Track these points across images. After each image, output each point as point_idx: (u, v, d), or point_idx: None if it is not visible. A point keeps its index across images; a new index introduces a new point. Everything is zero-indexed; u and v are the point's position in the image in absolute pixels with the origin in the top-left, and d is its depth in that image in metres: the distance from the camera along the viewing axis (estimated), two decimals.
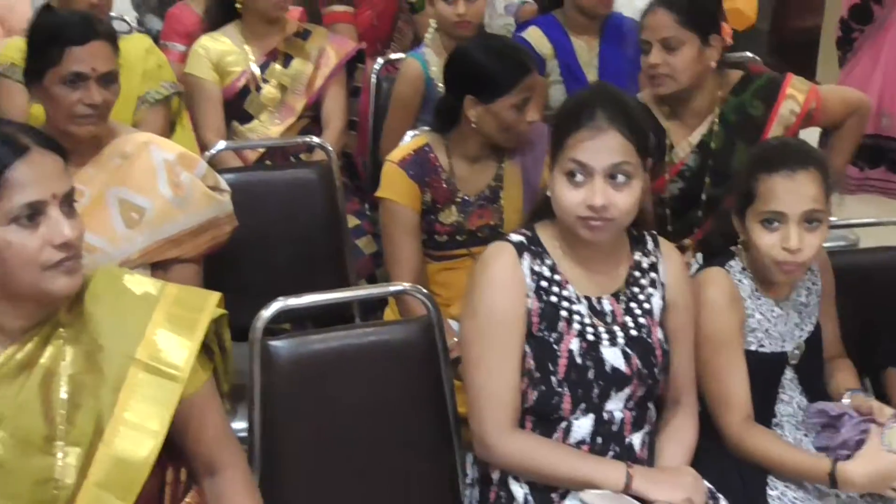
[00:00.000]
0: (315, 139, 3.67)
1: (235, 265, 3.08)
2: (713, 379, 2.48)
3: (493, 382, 2.27)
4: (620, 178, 2.21)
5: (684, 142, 3.22)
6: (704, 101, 3.19)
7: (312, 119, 4.02)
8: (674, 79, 3.10)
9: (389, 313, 3.20)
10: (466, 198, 3.15)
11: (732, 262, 2.56)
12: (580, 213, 2.22)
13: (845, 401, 2.57)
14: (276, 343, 2.41)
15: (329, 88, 4.01)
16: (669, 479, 2.27)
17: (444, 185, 3.13)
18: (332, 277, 3.24)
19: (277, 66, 3.97)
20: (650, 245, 2.44)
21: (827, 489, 2.38)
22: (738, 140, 3.18)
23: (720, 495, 2.35)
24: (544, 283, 2.31)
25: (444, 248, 3.20)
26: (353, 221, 3.78)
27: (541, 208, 2.39)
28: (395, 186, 3.10)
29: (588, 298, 2.34)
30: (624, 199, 2.21)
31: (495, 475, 2.37)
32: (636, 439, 2.36)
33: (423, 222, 3.14)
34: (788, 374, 2.57)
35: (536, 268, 2.31)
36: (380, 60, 4.33)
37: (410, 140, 3.24)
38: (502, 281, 2.28)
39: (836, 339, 2.74)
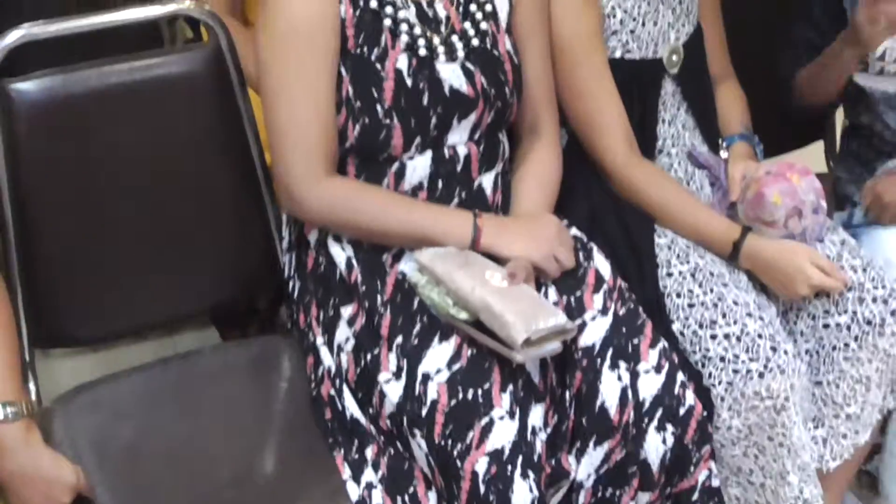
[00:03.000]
0: None
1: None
2: (578, 98, 2.01)
3: (300, 116, 1.77)
4: None
5: None
6: None
7: None
8: None
9: None
10: None
11: None
12: None
13: (723, 153, 2.15)
14: (18, 86, 1.85)
15: None
16: (527, 231, 1.83)
17: None
18: None
19: None
20: None
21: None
22: None
23: (593, 245, 1.92)
24: None
25: None
26: None
27: None
28: None
29: (416, 3, 1.82)
30: None
31: (312, 236, 1.90)
32: (487, 180, 1.90)
33: None
34: (669, 86, 2.10)
35: None
36: None
37: None
38: None
39: (722, 50, 2.26)
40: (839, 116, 2.53)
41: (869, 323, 1.93)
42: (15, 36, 1.85)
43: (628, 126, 2.02)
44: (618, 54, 2.03)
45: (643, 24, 2.04)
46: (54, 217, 1.90)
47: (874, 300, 1.94)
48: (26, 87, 1.86)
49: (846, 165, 2.38)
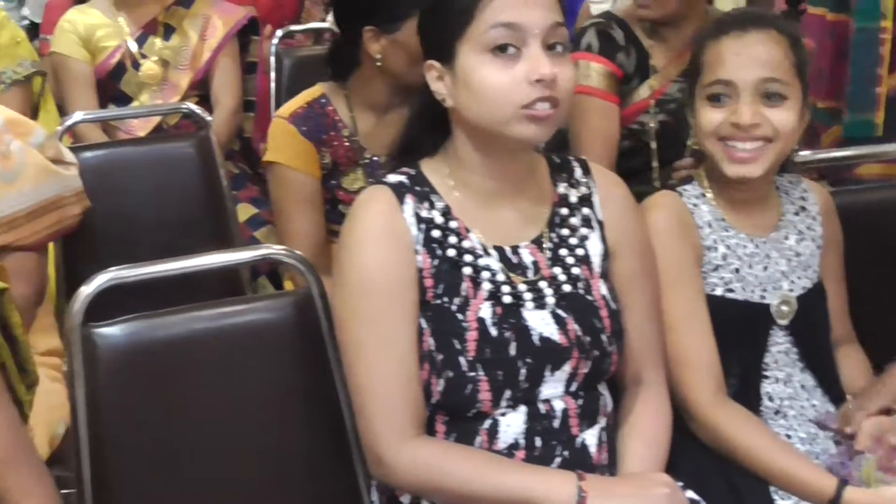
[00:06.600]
0: (191, 106, 3.12)
1: (94, 254, 2.53)
2: (666, 332, 1.89)
3: (380, 374, 1.68)
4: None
5: (670, 67, 2.63)
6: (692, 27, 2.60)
7: (201, 98, 3.50)
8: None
9: None
10: (376, 158, 2.55)
11: (688, 186, 2.02)
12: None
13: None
14: (102, 331, 1.81)
15: (218, 63, 3.54)
16: (636, 493, 1.67)
17: (347, 144, 2.55)
18: None
19: (157, 40, 3.51)
20: (578, 173, 1.86)
21: None
22: None
23: None
24: (436, 233, 1.72)
25: None
26: (249, 211, 3.28)
27: (419, 139, 1.81)
28: (285, 147, 2.52)
29: (499, 248, 1.75)
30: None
31: (405, 499, 1.77)
32: (590, 437, 1.76)
33: (323, 190, 2.55)
34: (780, 339, 1.98)
35: (425, 213, 1.73)
36: (278, 33, 3.78)
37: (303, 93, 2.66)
38: (377, 235, 1.69)
39: (844, 313, 2.13)
40: None
41: None
42: (101, 281, 1.84)
43: (718, 366, 1.90)
44: (718, 291, 1.95)
45: (750, 267, 1.96)
46: (130, 468, 1.82)
47: None
48: (110, 332, 1.83)
49: None
